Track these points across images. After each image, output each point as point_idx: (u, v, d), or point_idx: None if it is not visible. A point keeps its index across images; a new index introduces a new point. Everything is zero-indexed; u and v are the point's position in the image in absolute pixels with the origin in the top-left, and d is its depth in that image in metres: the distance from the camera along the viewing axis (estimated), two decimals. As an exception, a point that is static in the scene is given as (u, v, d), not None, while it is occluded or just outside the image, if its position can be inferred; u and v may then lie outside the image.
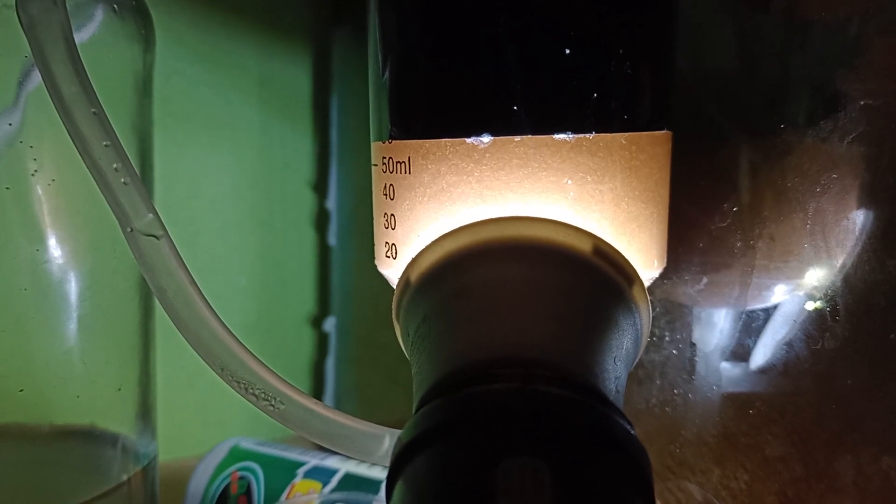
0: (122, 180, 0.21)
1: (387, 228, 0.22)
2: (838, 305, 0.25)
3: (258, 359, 0.21)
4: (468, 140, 0.20)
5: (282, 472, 0.36)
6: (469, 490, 0.14)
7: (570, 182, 0.20)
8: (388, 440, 0.21)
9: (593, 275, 0.20)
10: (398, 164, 0.22)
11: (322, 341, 0.52)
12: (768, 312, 0.26)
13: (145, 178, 0.30)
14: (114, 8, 0.27)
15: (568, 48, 0.20)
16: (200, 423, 0.46)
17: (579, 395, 0.16)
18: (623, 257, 0.20)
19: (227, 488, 0.36)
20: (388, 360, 0.46)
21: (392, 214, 0.22)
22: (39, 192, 0.26)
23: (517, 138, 0.20)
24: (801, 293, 0.26)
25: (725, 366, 0.27)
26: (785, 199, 0.26)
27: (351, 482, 0.35)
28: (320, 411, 0.21)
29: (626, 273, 0.20)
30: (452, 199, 0.21)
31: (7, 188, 0.26)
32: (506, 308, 0.19)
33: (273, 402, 0.21)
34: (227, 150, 0.46)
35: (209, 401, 0.45)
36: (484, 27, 0.20)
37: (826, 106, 0.25)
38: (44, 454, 0.28)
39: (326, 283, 0.52)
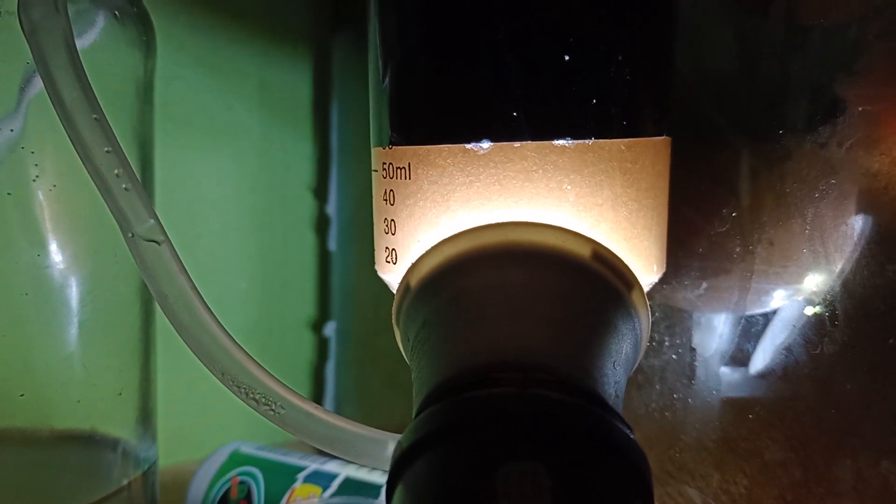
0: (124, 186, 0.21)
1: (387, 233, 0.22)
2: (837, 310, 0.25)
3: (258, 363, 0.21)
4: (468, 146, 0.20)
5: (282, 477, 0.36)
6: (469, 494, 0.14)
7: (569, 187, 0.20)
8: (389, 445, 0.21)
9: (593, 280, 0.20)
10: (398, 170, 0.22)
11: (322, 345, 0.52)
12: (767, 317, 0.26)
13: (146, 183, 0.30)
14: (115, 14, 0.27)
15: (567, 54, 0.20)
16: (201, 428, 0.46)
17: (579, 399, 0.16)
18: (622, 262, 0.20)
19: (227, 493, 0.36)
20: (388, 365, 0.46)
21: (392, 220, 0.22)
22: (41, 197, 0.26)
23: (517, 144, 0.20)
24: (800, 298, 0.26)
25: (725, 370, 0.27)
26: (784, 203, 0.26)
27: (351, 487, 0.35)
28: (320, 416, 0.21)
29: (625, 278, 0.20)
30: (452, 204, 0.21)
31: (8, 193, 0.26)
32: (505, 313, 0.19)
33: (273, 407, 0.21)
34: (228, 155, 0.46)
35: (209, 405, 0.45)
36: (484, 33, 0.20)
37: (825, 111, 0.25)
38: (44, 458, 0.29)
39: (326, 288, 0.52)
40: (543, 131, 0.20)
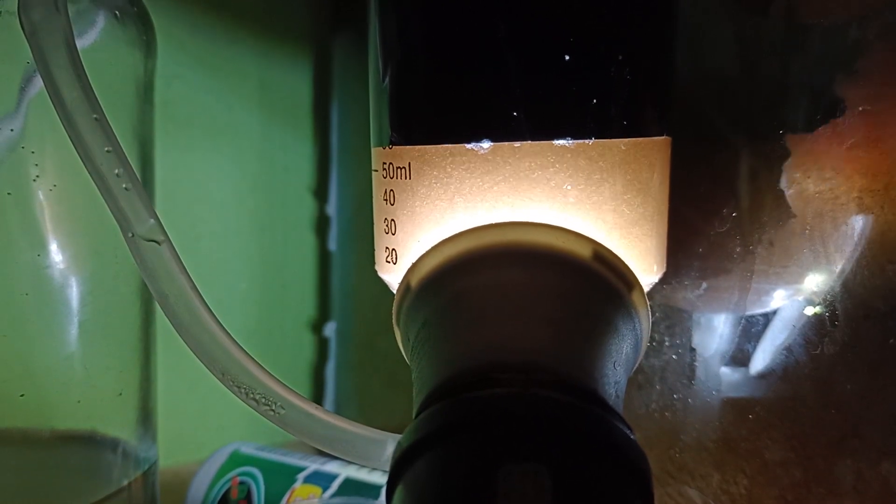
0: (124, 186, 0.21)
1: (387, 233, 0.22)
2: (837, 310, 0.25)
3: (259, 364, 0.21)
4: (468, 146, 0.20)
5: (282, 477, 0.36)
6: (469, 494, 0.14)
7: (569, 187, 0.20)
8: (388, 445, 0.21)
9: (593, 280, 0.20)
10: (398, 170, 0.22)
11: (322, 346, 0.52)
12: (768, 317, 0.26)
13: (146, 183, 0.30)
14: (115, 14, 0.27)
15: (567, 54, 0.20)
16: (201, 428, 0.46)
17: (579, 399, 0.16)
18: (622, 262, 0.20)
19: (227, 493, 0.36)
20: (388, 365, 0.46)
21: (392, 220, 0.22)
22: (41, 197, 0.26)
23: (517, 144, 0.20)
24: (800, 298, 0.26)
25: (725, 371, 0.27)
26: (784, 203, 0.26)
27: (351, 487, 0.35)
28: (321, 416, 0.21)
29: (625, 278, 0.20)
30: (452, 204, 0.21)
31: (8, 194, 0.26)
32: (506, 313, 0.19)
33: (274, 407, 0.21)
34: (228, 155, 0.46)
35: (210, 406, 0.45)
36: (484, 33, 0.20)
37: (825, 111, 0.25)
38: (44, 459, 0.29)
39: (327, 288, 0.52)
40: (543, 131, 0.20)
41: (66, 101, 0.20)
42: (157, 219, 0.21)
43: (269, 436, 0.41)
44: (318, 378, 0.52)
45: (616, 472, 0.15)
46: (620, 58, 0.20)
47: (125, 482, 0.29)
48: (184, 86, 0.43)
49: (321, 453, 0.26)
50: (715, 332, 0.28)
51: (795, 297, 0.26)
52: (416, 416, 0.17)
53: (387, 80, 0.22)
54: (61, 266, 0.27)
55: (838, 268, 0.25)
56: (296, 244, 0.51)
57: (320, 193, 0.50)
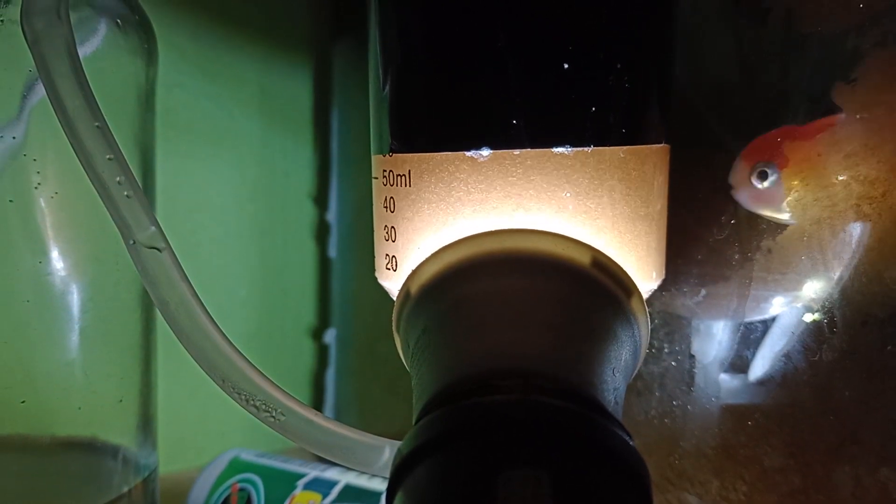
0: (125, 193, 0.21)
1: (387, 240, 0.22)
2: (836, 317, 0.25)
3: (259, 370, 0.21)
4: (468, 153, 0.20)
5: (282, 484, 0.36)
6: (469, 500, 0.14)
7: (568, 195, 0.20)
8: (388, 451, 0.21)
9: (592, 287, 0.20)
10: (398, 177, 0.22)
11: (322, 353, 0.52)
12: (766, 324, 0.27)
13: (147, 191, 0.30)
14: (117, 22, 0.27)
15: (567, 62, 0.20)
16: (201, 435, 0.46)
17: (579, 406, 0.16)
18: (622, 269, 0.20)
19: (227, 500, 0.36)
20: (388, 372, 0.46)
21: (392, 227, 0.22)
22: (42, 204, 0.26)
23: (516, 152, 0.20)
24: (798, 305, 0.26)
25: (724, 377, 0.28)
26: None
27: (351, 494, 0.35)
28: (321, 423, 0.21)
29: (624, 285, 0.20)
30: (452, 211, 0.21)
31: (10, 201, 0.26)
32: (505, 320, 0.19)
33: (274, 414, 0.21)
34: (229, 162, 0.47)
35: (210, 412, 0.45)
36: (484, 41, 0.20)
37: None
38: (45, 465, 0.29)
39: (327, 295, 0.52)
40: (543, 139, 0.20)
41: (67, 109, 0.20)
42: (158, 226, 0.21)
43: (269, 442, 0.41)
44: (318, 384, 0.52)
45: (615, 479, 0.15)
46: (619, 66, 0.20)
47: (125, 489, 0.29)
48: (185, 93, 0.44)
49: (321, 460, 0.26)
50: (714, 338, 0.28)
51: (794, 303, 0.26)
52: (416, 423, 0.17)
53: (387, 87, 0.22)
54: (62, 273, 0.27)
55: (836, 275, 0.25)
56: (296, 251, 0.51)
57: (320, 200, 0.51)
